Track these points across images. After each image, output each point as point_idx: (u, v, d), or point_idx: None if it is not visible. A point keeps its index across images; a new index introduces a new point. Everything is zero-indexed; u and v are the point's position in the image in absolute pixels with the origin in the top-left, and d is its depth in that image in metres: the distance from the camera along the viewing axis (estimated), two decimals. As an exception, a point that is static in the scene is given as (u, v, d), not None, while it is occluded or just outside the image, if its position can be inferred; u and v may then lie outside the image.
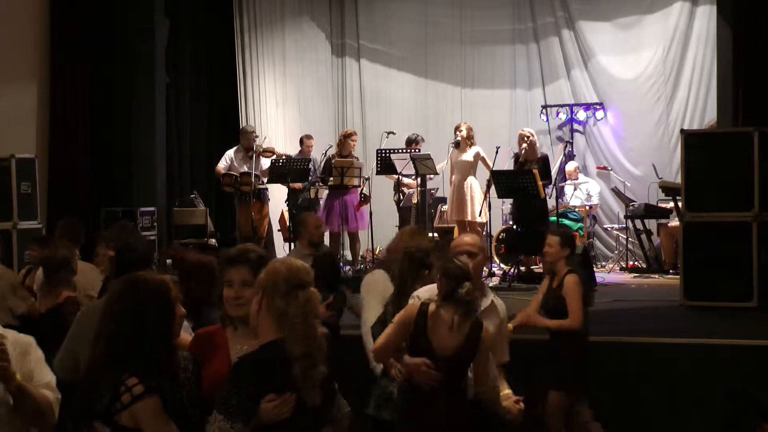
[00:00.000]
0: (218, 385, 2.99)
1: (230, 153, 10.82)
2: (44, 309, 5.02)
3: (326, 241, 10.47)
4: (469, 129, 9.79)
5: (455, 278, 3.79)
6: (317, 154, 10.98)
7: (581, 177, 11.60)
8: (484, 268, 9.14)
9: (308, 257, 5.55)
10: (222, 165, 10.76)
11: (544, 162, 9.50)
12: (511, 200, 10.02)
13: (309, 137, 11.10)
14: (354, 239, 10.39)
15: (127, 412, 2.78)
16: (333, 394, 3.11)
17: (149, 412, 2.78)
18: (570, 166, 11.48)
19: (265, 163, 10.57)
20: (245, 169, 10.50)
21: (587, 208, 11.15)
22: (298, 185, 10.53)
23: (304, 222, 6.83)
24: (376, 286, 4.86)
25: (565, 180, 11.39)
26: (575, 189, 11.42)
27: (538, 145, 9.78)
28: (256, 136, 10.85)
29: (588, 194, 11.38)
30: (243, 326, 3.22)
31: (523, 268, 9.42)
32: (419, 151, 10.20)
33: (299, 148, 11.18)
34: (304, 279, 2.98)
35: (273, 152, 10.74)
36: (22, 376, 3.03)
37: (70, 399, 3.06)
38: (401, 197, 10.53)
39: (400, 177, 10.18)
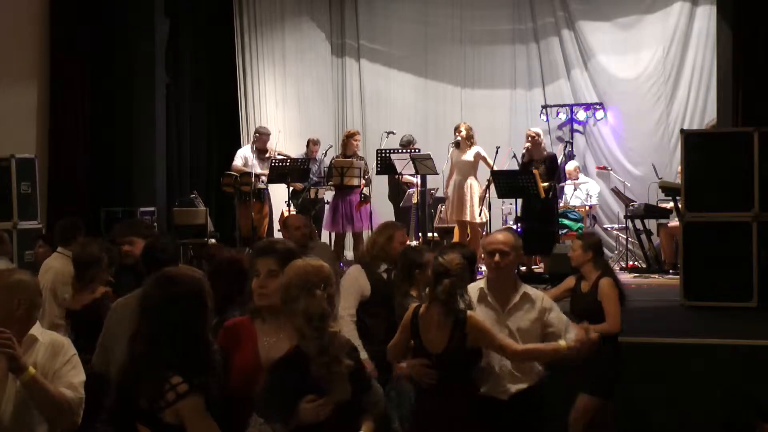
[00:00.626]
0: (246, 376, 3.06)
1: (245, 152, 10.79)
2: (79, 306, 5.03)
3: (330, 241, 10.52)
4: (469, 129, 9.79)
5: (435, 275, 3.84)
6: (318, 155, 11.01)
7: (581, 177, 11.60)
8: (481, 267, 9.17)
9: None
10: (239, 163, 10.72)
11: (552, 161, 9.49)
12: (511, 200, 10.02)
13: (315, 143, 11.10)
14: (358, 240, 10.38)
15: (171, 410, 2.82)
16: (366, 382, 3.17)
17: (194, 411, 2.83)
18: (570, 166, 11.48)
19: None
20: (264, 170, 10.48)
21: (587, 208, 11.15)
22: (299, 185, 10.54)
23: (285, 223, 6.96)
24: (348, 280, 5.08)
25: (566, 180, 11.39)
26: (575, 189, 11.42)
27: (543, 144, 9.79)
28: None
29: (587, 194, 11.38)
30: (271, 318, 3.27)
31: (523, 268, 9.41)
32: (418, 151, 10.21)
33: (304, 150, 11.19)
34: (313, 281, 3.04)
35: (288, 158, 10.75)
36: (49, 375, 3.18)
37: (103, 399, 3.11)
38: (400, 194, 10.58)
39: (400, 176, 10.18)
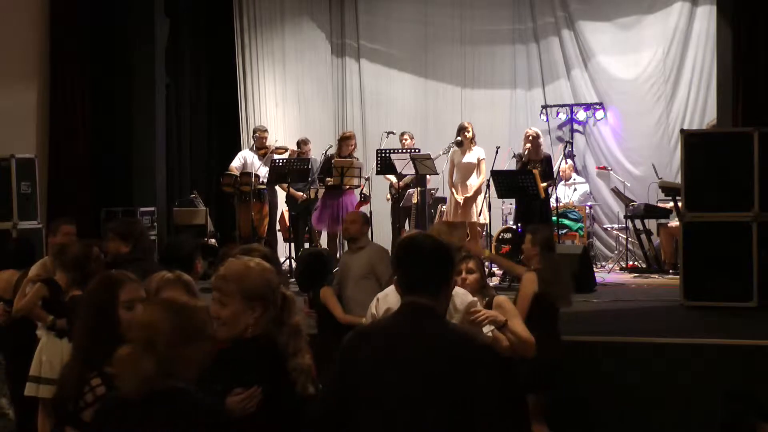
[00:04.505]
0: None
1: (245, 153, 10.80)
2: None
3: (324, 241, 10.54)
4: (472, 129, 9.76)
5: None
6: (317, 155, 10.99)
7: (574, 176, 11.61)
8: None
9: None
10: (236, 164, 10.71)
11: (548, 162, 9.50)
12: (510, 200, 10.03)
13: (306, 142, 11.06)
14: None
15: (89, 411, 2.82)
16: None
17: None
18: (562, 165, 11.45)
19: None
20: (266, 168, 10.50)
21: (587, 208, 11.15)
22: (300, 195, 10.53)
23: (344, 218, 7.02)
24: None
25: (559, 180, 11.39)
26: (569, 189, 11.42)
27: (543, 145, 9.78)
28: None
29: (579, 194, 11.39)
30: None
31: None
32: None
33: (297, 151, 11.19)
34: (270, 286, 3.03)
35: (286, 150, 10.76)
36: None
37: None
38: (397, 192, 10.61)
39: (398, 182, 10.24)
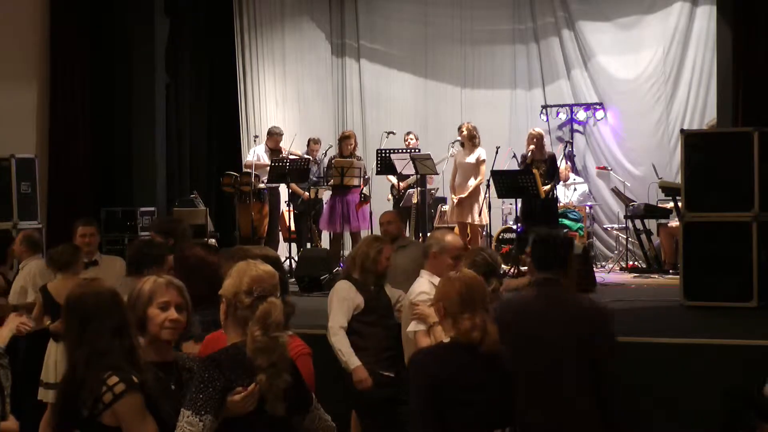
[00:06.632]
0: None
1: (258, 151, 10.79)
2: None
3: (326, 241, 10.53)
4: (472, 129, 9.68)
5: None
6: (319, 155, 11.01)
7: (572, 177, 11.61)
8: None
9: None
10: (250, 158, 10.71)
11: (552, 161, 9.49)
12: (510, 200, 10.02)
13: (316, 142, 11.10)
14: (356, 240, 10.38)
15: (109, 412, 2.81)
16: (304, 404, 3.09)
17: (131, 410, 2.82)
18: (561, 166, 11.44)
19: None
20: None
21: (587, 208, 11.15)
22: (300, 191, 10.54)
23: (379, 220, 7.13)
24: (339, 294, 5.12)
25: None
26: (568, 189, 11.42)
27: (546, 145, 9.78)
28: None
29: (578, 194, 11.39)
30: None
31: (524, 268, 9.41)
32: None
33: (305, 150, 11.20)
34: (266, 289, 3.01)
35: (300, 157, 10.76)
36: None
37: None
38: (398, 194, 10.61)
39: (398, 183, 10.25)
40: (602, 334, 3.54)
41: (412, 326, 4.59)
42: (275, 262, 3.51)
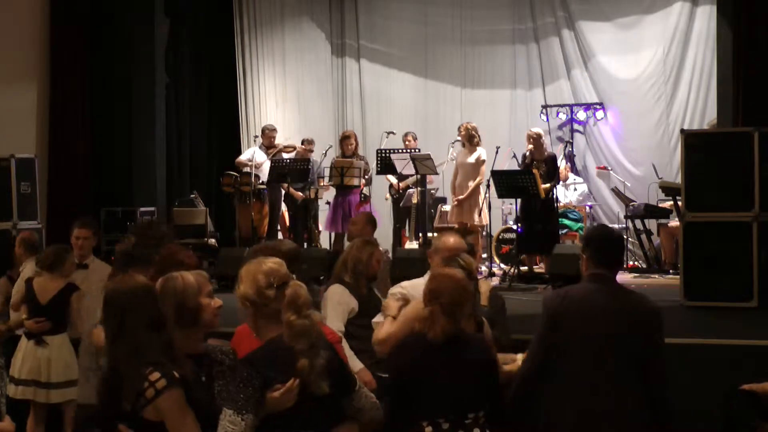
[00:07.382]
0: None
1: (254, 149, 10.81)
2: None
3: (329, 241, 10.52)
4: (471, 129, 9.66)
5: None
6: (317, 155, 11.00)
7: (571, 177, 11.61)
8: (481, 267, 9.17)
9: None
10: (245, 157, 10.74)
11: (552, 161, 9.49)
12: (510, 200, 10.02)
13: (310, 142, 11.09)
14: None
15: (151, 406, 2.84)
16: (348, 384, 3.18)
17: (173, 405, 2.85)
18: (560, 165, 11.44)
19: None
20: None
21: (587, 208, 11.15)
22: (300, 195, 10.54)
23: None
24: (333, 297, 5.08)
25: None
26: (567, 189, 11.42)
27: (546, 145, 9.77)
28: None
29: (578, 194, 11.38)
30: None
31: (524, 268, 9.42)
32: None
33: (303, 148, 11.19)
34: (282, 277, 3.13)
35: (294, 148, 10.77)
36: None
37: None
38: (397, 194, 10.58)
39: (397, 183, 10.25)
40: (658, 332, 3.71)
41: (377, 317, 4.68)
42: (295, 254, 3.74)
